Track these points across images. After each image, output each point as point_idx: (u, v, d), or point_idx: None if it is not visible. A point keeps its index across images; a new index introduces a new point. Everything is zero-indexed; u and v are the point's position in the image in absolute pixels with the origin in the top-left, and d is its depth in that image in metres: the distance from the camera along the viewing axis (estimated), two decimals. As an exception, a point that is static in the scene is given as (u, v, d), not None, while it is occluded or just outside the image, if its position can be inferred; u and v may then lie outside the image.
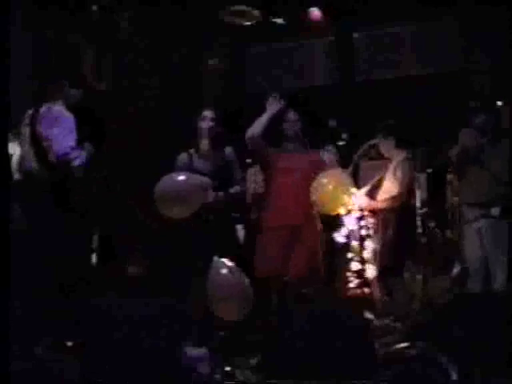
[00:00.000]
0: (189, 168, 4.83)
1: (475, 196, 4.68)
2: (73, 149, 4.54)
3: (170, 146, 5.53)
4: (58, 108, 4.64)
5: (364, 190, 5.20)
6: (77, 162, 4.57)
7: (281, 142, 5.07)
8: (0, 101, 2.85)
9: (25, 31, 5.68)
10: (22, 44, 5.44)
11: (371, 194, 5.20)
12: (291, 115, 5.05)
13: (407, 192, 5.14)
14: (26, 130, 4.64)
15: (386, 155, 5.30)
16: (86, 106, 4.91)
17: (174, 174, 4.66)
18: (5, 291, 2.84)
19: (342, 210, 5.02)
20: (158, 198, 4.46)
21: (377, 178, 5.26)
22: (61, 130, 4.55)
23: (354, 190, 5.02)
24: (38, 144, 4.57)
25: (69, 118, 4.61)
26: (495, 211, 4.59)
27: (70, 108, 4.66)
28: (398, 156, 5.22)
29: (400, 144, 5.22)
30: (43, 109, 4.64)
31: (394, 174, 5.16)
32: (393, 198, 5.12)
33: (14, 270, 2.93)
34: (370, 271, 5.13)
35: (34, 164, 4.57)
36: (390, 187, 5.15)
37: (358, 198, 5.09)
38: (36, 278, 4.41)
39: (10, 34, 2.94)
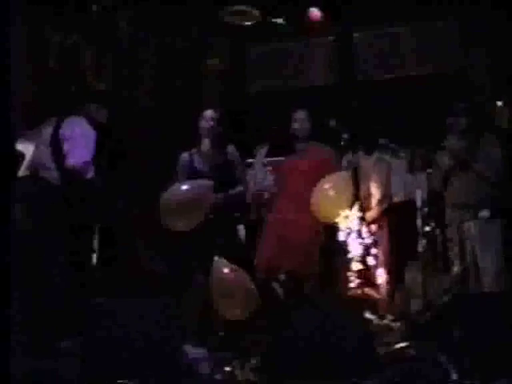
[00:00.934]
0: (190, 168, 4.83)
1: (463, 198, 4.69)
2: (86, 163, 4.60)
3: (170, 147, 5.53)
4: (83, 122, 4.71)
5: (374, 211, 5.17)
6: (89, 175, 4.63)
7: (291, 142, 5.05)
8: (0, 101, 2.84)
9: (24, 31, 5.68)
10: (21, 44, 5.44)
11: (367, 204, 5.19)
12: (300, 114, 5.02)
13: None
14: (47, 133, 4.67)
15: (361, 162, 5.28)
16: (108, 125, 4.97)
17: (175, 187, 4.65)
18: (5, 291, 2.84)
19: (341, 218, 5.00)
20: (162, 214, 4.46)
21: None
22: (79, 143, 4.60)
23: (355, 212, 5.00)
24: (57, 148, 4.60)
25: (90, 133, 4.67)
26: (483, 213, 4.60)
27: (93, 124, 4.72)
28: (367, 160, 5.21)
29: (368, 148, 5.22)
30: (69, 119, 4.71)
31: (372, 178, 5.16)
32: (379, 201, 5.13)
33: (15, 269, 2.93)
34: (373, 274, 5.13)
35: (49, 166, 4.60)
36: (375, 192, 5.16)
37: (369, 216, 5.07)
38: (36, 278, 4.41)
39: (9, 34, 2.94)
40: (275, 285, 4.88)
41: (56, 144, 4.63)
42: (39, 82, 5.62)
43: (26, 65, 5.61)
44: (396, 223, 5.16)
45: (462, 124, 4.76)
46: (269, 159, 5.64)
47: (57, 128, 4.68)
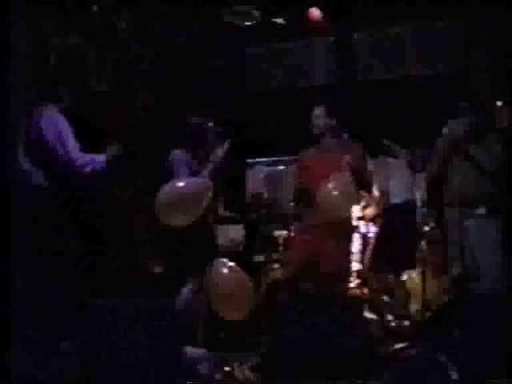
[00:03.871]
0: (188, 169, 4.80)
1: (462, 195, 4.68)
2: (74, 153, 4.35)
3: (170, 147, 5.53)
4: (48, 115, 4.38)
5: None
6: (88, 168, 4.29)
7: (313, 139, 5.01)
8: (0, 102, 2.85)
9: (24, 31, 5.68)
10: (21, 44, 5.44)
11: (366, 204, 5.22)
12: (317, 111, 5.01)
13: None
14: (19, 136, 4.53)
15: None
16: (83, 107, 4.84)
17: (173, 183, 4.61)
18: (5, 291, 2.85)
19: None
20: (159, 208, 4.41)
21: None
22: (56, 137, 4.29)
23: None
24: (32, 151, 4.45)
25: (60, 122, 4.35)
26: (482, 211, 4.59)
27: (64, 111, 4.54)
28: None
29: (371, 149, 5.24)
30: (34, 114, 4.42)
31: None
32: (378, 201, 5.17)
33: (16, 269, 2.93)
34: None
35: (30, 169, 4.48)
36: (374, 192, 5.22)
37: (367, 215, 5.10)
38: (36, 278, 4.41)
39: (10, 35, 2.94)
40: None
41: (31, 149, 4.32)
42: (39, 82, 5.61)
43: (26, 65, 5.61)
44: (393, 224, 5.17)
45: (472, 121, 4.74)
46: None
47: (26, 130, 4.34)
